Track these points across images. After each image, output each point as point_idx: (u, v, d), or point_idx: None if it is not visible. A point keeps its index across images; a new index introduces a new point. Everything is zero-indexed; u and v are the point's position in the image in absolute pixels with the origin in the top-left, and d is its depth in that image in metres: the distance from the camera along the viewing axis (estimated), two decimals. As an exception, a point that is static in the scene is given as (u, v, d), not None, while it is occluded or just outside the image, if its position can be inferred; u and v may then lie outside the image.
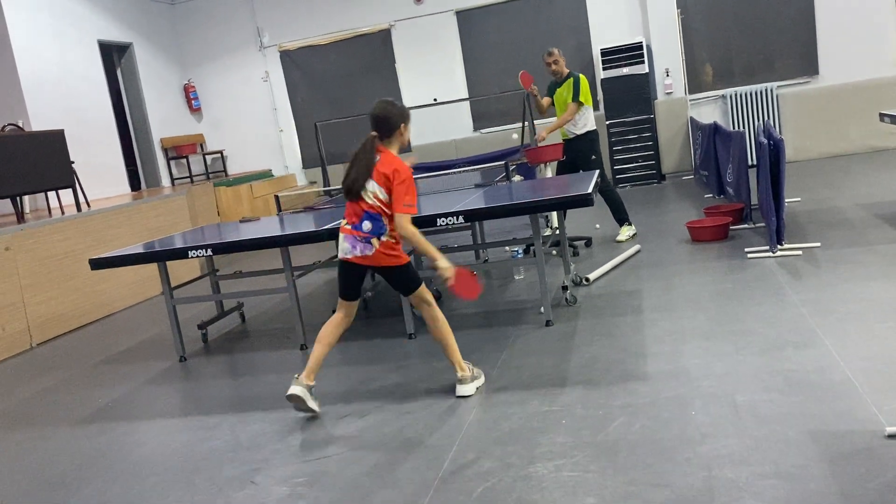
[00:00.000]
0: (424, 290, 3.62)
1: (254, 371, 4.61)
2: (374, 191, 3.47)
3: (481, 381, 3.70)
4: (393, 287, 3.72)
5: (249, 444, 3.42)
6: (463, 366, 3.64)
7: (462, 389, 3.59)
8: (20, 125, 8.26)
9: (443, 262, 3.46)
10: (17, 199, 7.10)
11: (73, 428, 4.06)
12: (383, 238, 3.50)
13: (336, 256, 5.90)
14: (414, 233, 3.45)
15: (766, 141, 5.30)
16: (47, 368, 5.38)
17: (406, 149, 3.67)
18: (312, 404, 3.57)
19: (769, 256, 5.22)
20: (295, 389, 3.53)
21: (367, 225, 3.48)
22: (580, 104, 6.39)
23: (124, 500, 3.06)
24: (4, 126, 7.90)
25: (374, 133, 3.52)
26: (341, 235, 3.59)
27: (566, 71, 6.53)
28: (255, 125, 12.12)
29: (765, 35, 10.14)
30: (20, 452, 3.80)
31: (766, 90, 10.08)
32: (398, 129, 3.52)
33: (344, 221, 3.59)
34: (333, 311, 5.24)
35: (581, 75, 6.47)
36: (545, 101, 6.67)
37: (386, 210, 3.47)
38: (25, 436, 4.05)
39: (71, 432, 3.99)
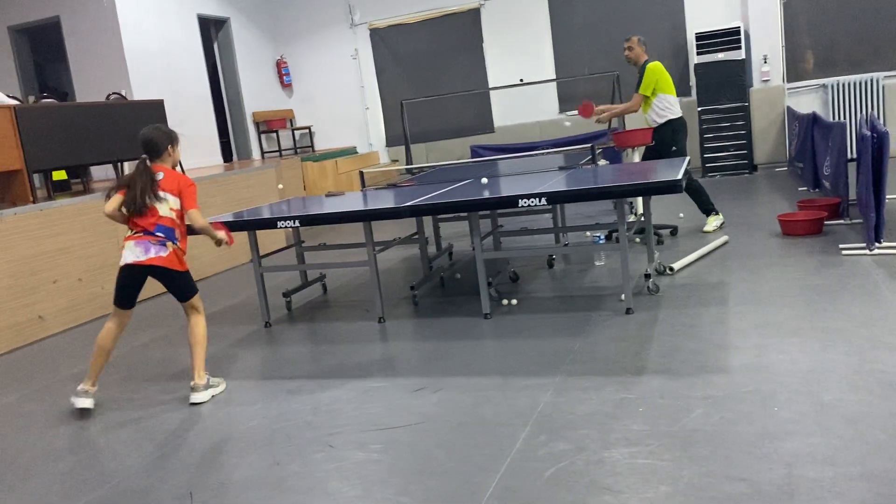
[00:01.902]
0: (198, 299, 3.95)
1: (334, 340, 4.73)
2: (169, 202, 3.82)
3: (219, 389, 3.97)
4: (172, 293, 3.93)
5: (328, 410, 3.53)
6: (202, 374, 3.88)
7: (195, 396, 3.84)
8: (123, 94, 8.66)
9: (219, 233, 4.03)
10: (118, 164, 7.46)
11: (164, 384, 4.27)
12: (176, 245, 3.84)
13: (415, 234, 6.03)
14: (205, 225, 3.95)
15: (869, 133, 5.05)
16: (143, 327, 5.66)
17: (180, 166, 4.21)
18: (90, 403, 3.90)
19: (866, 254, 4.99)
20: (85, 402, 3.86)
21: (160, 234, 3.79)
22: (646, 97, 6.26)
23: (208, 457, 3.21)
24: (109, 95, 8.30)
25: (144, 156, 3.85)
26: (129, 243, 3.78)
27: (643, 59, 6.38)
28: (343, 102, 12.32)
29: (873, 22, 9.61)
30: (113, 407, 4.03)
31: (871, 80, 9.57)
32: (166, 149, 3.89)
33: (132, 231, 3.81)
34: (412, 287, 5.37)
35: (651, 64, 6.29)
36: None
37: (177, 221, 3.84)
38: (119, 389, 4.29)
39: (162, 388, 4.20)
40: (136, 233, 3.79)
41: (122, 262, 3.80)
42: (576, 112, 7.53)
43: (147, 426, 3.64)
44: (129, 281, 3.83)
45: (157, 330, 5.55)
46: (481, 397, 3.44)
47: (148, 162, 3.84)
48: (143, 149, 3.87)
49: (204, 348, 3.93)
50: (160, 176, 3.83)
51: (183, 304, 3.94)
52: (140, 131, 3.90)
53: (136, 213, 3.77)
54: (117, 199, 3.79)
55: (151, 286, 3.92)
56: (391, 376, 3.90)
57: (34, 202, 6.19)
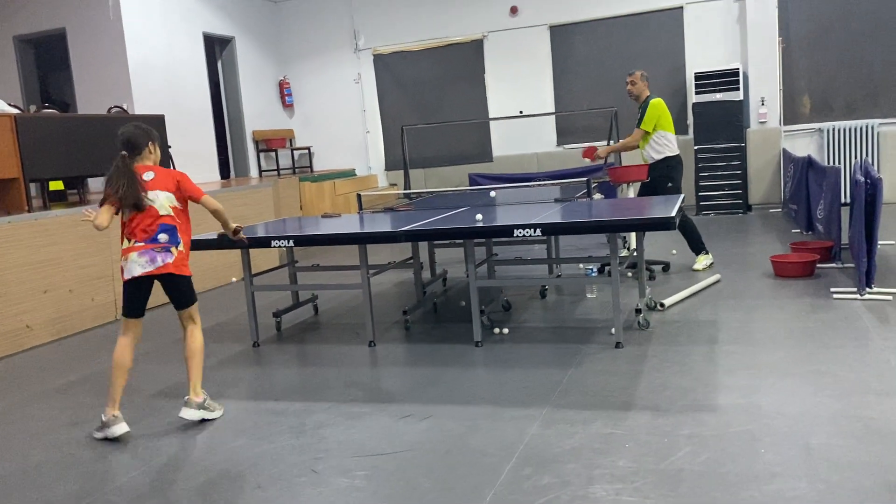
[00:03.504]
0: (196, 309, 3.84)
1: (322, 362, 4.71)
2: (166, 200, 3.70)
3: (214, 414, 3.79)
4: (173, 299, 3.81)
5: (313, 434, 3.50)
6: (198, 390, 3.75)
7: (185, 412, 3.72)
8: (125, 108, 8.70)
9: (236, 225, 4.13)
10: (116, 177, 7.46)
11: (147, 400, 4.24)
12: (179, 248, 3.71)
13: (410, 258, 6.03)
14: (221, 208, 3.91)
15: (862, 179, 5.10)
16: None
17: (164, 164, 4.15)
18: (126, 427, 3.65)
19: (856, 299, 5.01)
20: (122, 427, 3.61)
21: (163, 237, 3.66)
22: (646, 132, 6.32)
23: (188, 477, 3.18)
24: (111, 108, 8.33)
25: (123, 153, 3.71)
26: (133, 254, 3.63)
27: (645, 94, 6.45)
28: (343, 125, 12.39)
29: (870, 69, 9.74)
30: (92, 419, 4.00)
31: (866, 127, 9.68)
32: (146, 147, 3.78)
33: (131, 241, 3.66)
34: (404, 312, 5.36)
35: (654, 100, 6.36)
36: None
37: (178, 219, 3.73)
38: (101, 401, 4.25)
39: (144, 404, 4.17)
40: (137, 242, 3.63)
41: (128, 276, 3.64)
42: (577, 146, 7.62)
43: (129, 445, 3.60)
44: (138, 292, 3.71)
45: (142, 345, 5.51)
46: (469, 426, 3.42)
47: (127, 160, 3.69)
48: (122, 147, 3.74)
49: (201, 362, 3.80)
50: (150, 175, 3.71)
51: (180, 312, 3.81)
52: (120, 129, 3.79)
53: (135, 207, 3.63)
54: (107, 209, 3.68)
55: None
56: (379, 402, 3.88)
57: (29, 211, 6.19)
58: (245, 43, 11.61)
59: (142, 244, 3.64)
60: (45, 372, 5.04)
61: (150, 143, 3.80)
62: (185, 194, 3.76)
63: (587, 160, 6.96)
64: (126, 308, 3.74)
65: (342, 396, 3.99)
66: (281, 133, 12.24)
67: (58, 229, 6.03)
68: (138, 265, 3.63)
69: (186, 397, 3.75)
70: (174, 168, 4.16)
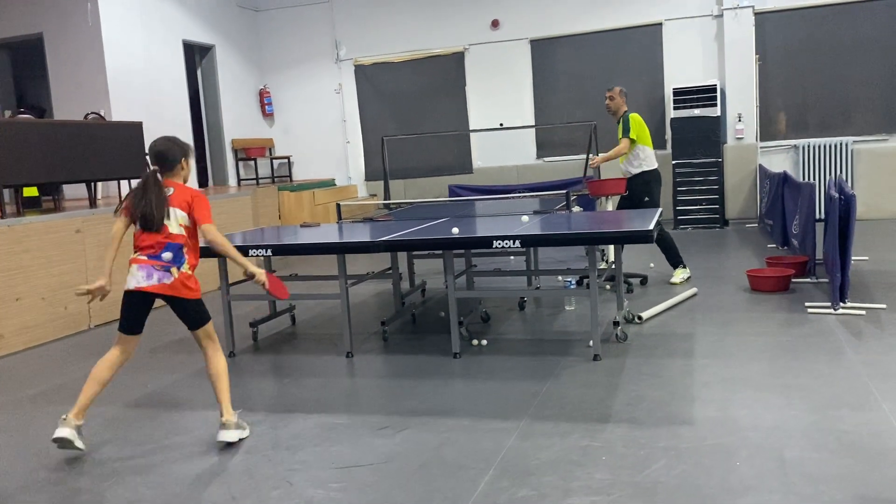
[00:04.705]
0: (211, 328, 3.62)
1: (299, 373, 4.67)
2: (178, 218, 3.52)
3: (246, 433, 3.60)
4: (182, 320, 3.61)
5: (288, 445, 3.47)
6: (230, 410, 3.55)
7: (225, 435, 3.49)
8: (102, 114, 8.61)
9: (255, 269, 3.63)
10: (92, 184, 7.38)
11: (122, 409, 4.17)
12: (182, 269, 3.51)
13: (389, 269, 6.01)
14: (223, 240, 3.62)
15: (836, 195, 5.18)
16: (102, 349, 5.53)
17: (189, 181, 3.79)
18: (79, 444, 3.43)
19: (830, 313, 5.07)
20: (63, 432, 3.38)
21: (167, 255, 3.48)
22: (632, 140, 6.38)
23: (158, 486, 3.13)
24: (87, 114, 8.25)
25: (155, 167, 3.58)
26: (134, 266, 3.49)
27: (623, 109, 6.52)
28: (324, 135, 12.36)
29: (844, 88, 9.91)
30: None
31: (840, 144, 9.84)
32: (179, 163, 3.61)
33: (137, 253, 3.52)
34: (383, 323, 5.34)
35: (632, 115, 6.44)
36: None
37: (188, 239, 3.55)
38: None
39: (118, 413, 4.11)
40: (140, 255, 3.49)
41: (126, 287, 3.51)
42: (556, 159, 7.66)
43: (98, 456, 3.54)
44: (135, 306, 3.53)
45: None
46: (446, 438, 3.40)
47: (159, 175, 3.55)
48: (154, 161, 3.59)
49: (227, 383, 3.59)
50: (170, 191, 3.54)
51: (192, 333, 3.61)
52: (152, 142, 3.64)
53: (149, 229, 3.49)
54: (122, 221, 3.56)
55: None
56: (355, 413, 3.85)
57: (2, 217, 6.09)
58: (225, 51, 11.57)
59: (145, 258, 3.49)
60: (16, 381, 4.94)
61: (183, 159, 3.63)
62: (194, 214, 3.55)
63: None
64: (121, 322, 3.58)
65: (318, 407, 3.96)
66: (260, 142, 12.18)
67: (31, 236, 5.94)
68: (135, 278, 3.48)
69: (223, 419, 3.51)
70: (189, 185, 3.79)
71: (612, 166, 7.01)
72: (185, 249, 3.54)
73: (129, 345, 3.59)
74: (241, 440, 3.54)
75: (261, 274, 3.66)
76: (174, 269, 3.49)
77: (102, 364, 3.55)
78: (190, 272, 3.55)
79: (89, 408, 3.53)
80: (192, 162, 3.71)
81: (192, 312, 3.58)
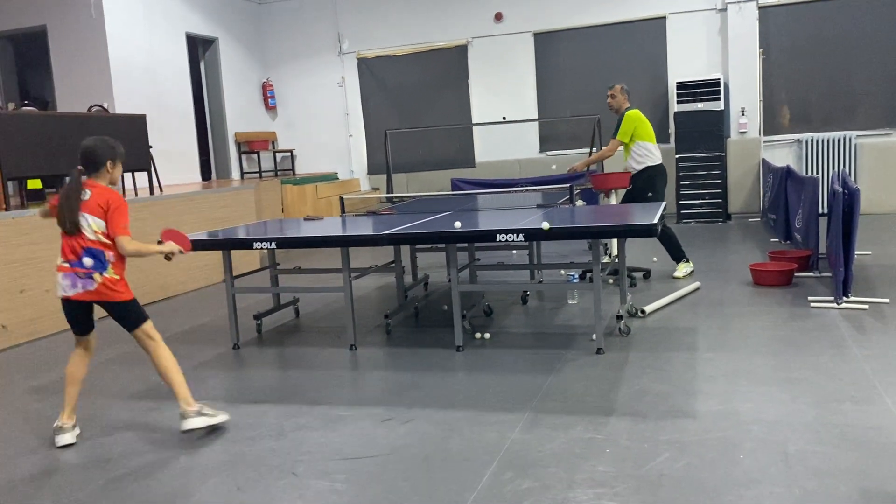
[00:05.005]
0: (150, 327, 3.56)
1: (303, 365, 4.68)
2: (92, 224, 3.41)
3: (217, 419, 3.57)
4: (118, 322, 3.56)
5: (292, 437, 3.48)
6: (189, 401, 3.51)
7: (186, 423, 3.48)
8: (105, 107, 8.61)
9: (164, 247, 3.62)
10: (96, 177, 7.38)
11: (126, 402, 4.19)
12: (105, 274, 3.43)
13: (392, 262, 6.02)
14: (138, 248, 3.52)
15: (840, 189, 5.17)
16: (109, 342, 5.56)
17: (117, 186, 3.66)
18: (73, 438, 3.56)
19: (833, 307, 5.07)
20: (65, 440, 3.50)
21: (87, 261, 3.41)
22: (620, 142, 6.37)
23: (167, 480, 3.15)
24: (91, 107, 8.25)
25: (79, 167, 3.47)
26: (59, 274, 3.43)
27: (624, 107, 6.50)
28: (326, 128, 12.37)
29: (848, 83, 9.90)
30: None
31: (844, 138, 9.82)
32: (105, 165, 3.49)
33: (60, 259, 3.45)
34: (386, 316, 5.36)
35: (630, 112, 6.42)
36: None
37: (106, 243, 3.43)
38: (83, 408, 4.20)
39: (123, 406, 4.12)
40: (63, 262, 3.43)
41: (57, 294, 3.49)
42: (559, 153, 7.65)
43: (101, 444, 3.56)
44: (73, 311, 3.52)
45: (122, 346, 5.46)
46: (450, 430, 3.41)
47: (84, 176, 3.45)
48: (81, 160, 3.47)
49: (178, 376, 3.55)
50: (87, 194, 3.42)
51: (132, 334, 3.56)
52: (83, 140, 3.51)
53: (67, 232, 3.42)
54: (47, 212, 3.53)
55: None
56: (359, 405, 3.86)
57: (6, 209, 6.10)
58: (228, 44, 11.56)
59: (67, 265, 3.42)
60: (21, 373, 4.96)
61: (110, 161, 3.50)
62: (108, 226, 3.42)
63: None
64: (69, 324, 3.58)
65: (322, 399, 3.97)
66: (263, 135, 12.19)
67: (35, 228, 5.95)
68: (61, 287, 3.44)
69: (181, 410, 3.52)
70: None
71: (616, 162, 7.00)
72: (107, 254, 3.44)
73: (87, 342, 3.64)
74: (215, 426, 3.56)
75: (171, 245, 3.65)
76: (97, 276, 3.42)
77: (72, 366, 3.62)
78: (117, 276, 3.47)
79: (79, 404, 3.63)
80: (120, 165, 3.57)
81: (124, 315, 3.53)
